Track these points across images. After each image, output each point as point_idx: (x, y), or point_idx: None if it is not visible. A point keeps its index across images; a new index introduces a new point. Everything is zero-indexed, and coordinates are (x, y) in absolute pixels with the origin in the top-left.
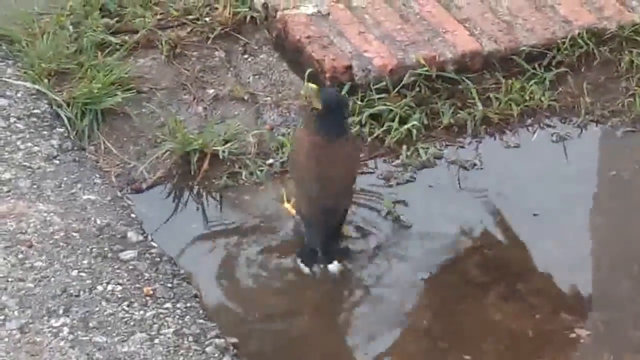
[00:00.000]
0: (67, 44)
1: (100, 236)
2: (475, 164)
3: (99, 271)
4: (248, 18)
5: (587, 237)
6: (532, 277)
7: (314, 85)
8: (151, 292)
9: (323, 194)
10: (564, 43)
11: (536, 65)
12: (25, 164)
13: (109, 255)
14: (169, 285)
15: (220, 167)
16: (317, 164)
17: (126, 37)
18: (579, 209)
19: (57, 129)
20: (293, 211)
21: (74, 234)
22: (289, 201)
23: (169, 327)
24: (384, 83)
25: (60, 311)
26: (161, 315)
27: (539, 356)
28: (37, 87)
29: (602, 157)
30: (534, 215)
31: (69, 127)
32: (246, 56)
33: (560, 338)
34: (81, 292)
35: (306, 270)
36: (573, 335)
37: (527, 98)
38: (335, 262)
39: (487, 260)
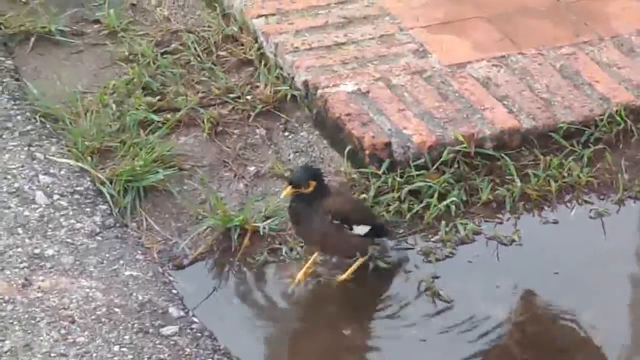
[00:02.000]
0: (110, 122)
1: (142, 312)
2: (514, 240)
3: (140, 346)
4: (289, 96)
5: (625, 313)
6: (575, 354)
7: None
8: None
9: None
10: (601, 120)
11: (574, 142)
12: (68, 240)
13: (151, 330)
14: None
15: (260, 243)
16: None
17: (168, 115)
18: (618, 287)
19: (100, 206)
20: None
21: (116, 309)
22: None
23: None
24: (422, 160)
25: None
26: None
27: None
28: (80, 164)
29: None
30: (571, 291)
31: (111, 204)
32: (287, 134)
33: None
34: None
35: None
36: None
37: (565, 174)
38: None
39: (528, 338)
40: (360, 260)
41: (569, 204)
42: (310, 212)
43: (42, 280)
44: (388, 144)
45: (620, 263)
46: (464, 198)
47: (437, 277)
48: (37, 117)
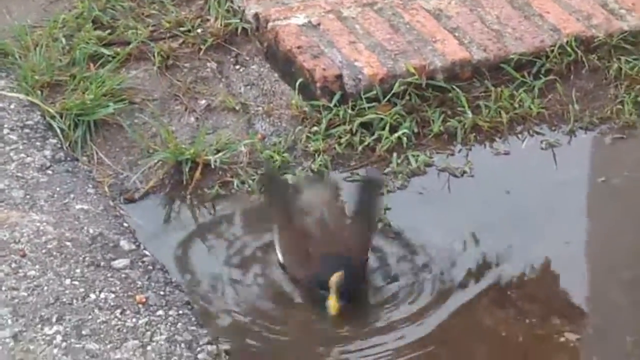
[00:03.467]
0: (60, 56)
1: (93, 245)
2: (465, 172)
3: (91, 279)
4: (239, 29)
5: (577, 243)
6: (523, 283)
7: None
8: (144, 299)
9: None
10: (552, 51)
11: (525, 74)
12: (18, 174)
13: (102, 263)
14: (162, 293)
15: (212, 176)
16: None
17: (118, 49)
18: (569, 216)
19: (50, 140)
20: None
21: (67, 243)
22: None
23: (161, 334)
24: (374, 92)
25: (54, 319)
26: (153, 323)
27: None
28: (30, 98)
29: (591, 164)
30: (523, 221)
31: (61, 138)
32: (238, 67)
33: (550, 343)
34: (74, 301)
35: None
36: (563, 339)
37: (517, 106)
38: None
39: (477, 267)
40: None
41: (520, 135)
42: None
43: None
44: (339, 77)
45: (571, 193)
46: (416, 130)
47: (388, 209)
48: None
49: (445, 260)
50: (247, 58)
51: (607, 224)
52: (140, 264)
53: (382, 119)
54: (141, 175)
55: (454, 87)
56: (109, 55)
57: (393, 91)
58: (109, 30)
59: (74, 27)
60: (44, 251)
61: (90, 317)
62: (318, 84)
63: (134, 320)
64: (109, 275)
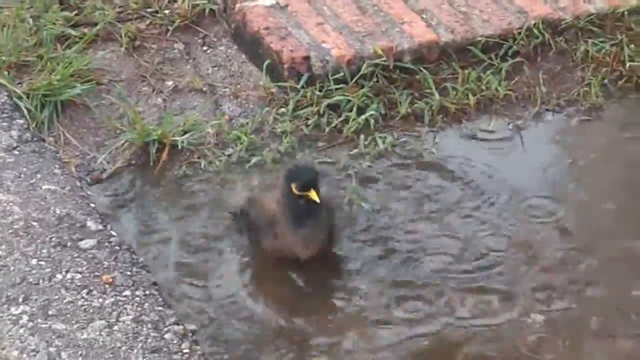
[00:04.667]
0: (27, 37)
1: (60, 225)
2: (432, 153)
3: (58, 260)
4: (207, 10)
5: (544, 224)
6: (490, 260)
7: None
8: (110, 280)
9: None
10: (519, 33)
11: (492, 56)
12: None
13: (68, 244)
14: (128, 273)
15: (179, 157)
16: None
17: (85, 30)
18: (535, 197)
19: (17, 120)
20: None
21: (34, 223)
22: None
23: (128, 315)
24: (341, 73)
25: (20, 299)
26: (120, 303)
27: (492, 341)
28: None
29: (558, 146)
30: (493, 204)
31: (28, 119)
32: (205, 48)
33: (516, 324)
34: (40, 281)
35: None
36: (529, 320)
37: (484, 88)
38: None
39: (445, 247)
40: None
41: (487, 117)
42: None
43: None
44: (307, 58)
45: (536, 176)
46: (383, 112)
47: (358, 193)
48: None
49: (414, 242)
50: (215, 39)
51: (573, 205)
52: (107, 244)
53: (349, 100)
54: (108, 156)
55: (421, 69)
56: (76, 36)
57: (361, 73)
58: (76, 11)
59: (41, 7)
60: (10, 231)
61: (56, 297)
62: (285, 66)
63: (100, 300)
64: (75, 255)
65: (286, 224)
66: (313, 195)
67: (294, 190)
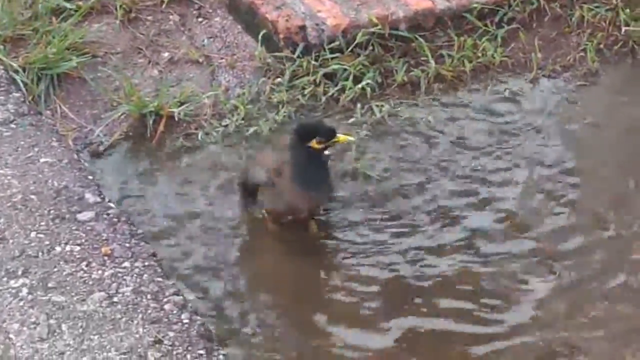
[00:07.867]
0: (22, 10)
1: (58, 198)
2: (429, 121)
3: (57, 232)
4: None
5: (540, 189)
6: (482, 224)
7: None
8: (109, 251)
9: None
10: (514, 0)
11: (488, 23)
12: None
13: (67, 216)
14: (127, 244)
15: (176, 128)
16: None
17: (80, 3)
18: (530, 164)
19: (14, 94)
20: None
21: (32, 196)
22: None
23: (127, 286)
24: (337, 43)
25: (19, 272)
26: (119, 274)
27: (493, 307)
28: None
29: (554, 111)
30: (480, 169)
31: (25, 92)
32: (200, 19)
33: (516, 288)
34: (40, 253)
35: None
36: (529, 287)
37: (480, 55)
38: None
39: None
40: None
41: (483, 84)
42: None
43: None
44: (302, 27)
45: (532, 141)
46: (379, 80)
47: (358, 159)
48: None
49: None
50: (210, 10)
51: (568, 171)
52: (105, 216)
53: (345, 69)
54: (105, 128)
55: (417, 36)
56: (71, 9)
57: (356, 42)
58: None
59: None
60: (8, 205)
61: (56, 269)
62: (281, 35)
63: (99, 272)
64: (74, 227)
65: (293, 181)
66: (342, 138)
67: (316, 144)
